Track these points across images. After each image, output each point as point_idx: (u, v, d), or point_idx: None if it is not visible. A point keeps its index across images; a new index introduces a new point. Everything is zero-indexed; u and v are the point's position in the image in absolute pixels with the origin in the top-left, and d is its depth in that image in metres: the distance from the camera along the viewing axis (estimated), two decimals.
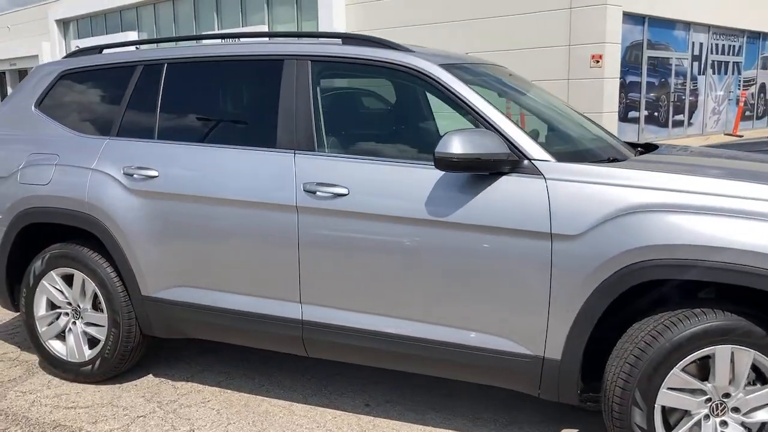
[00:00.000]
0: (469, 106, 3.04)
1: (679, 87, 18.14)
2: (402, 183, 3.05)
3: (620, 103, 15.53)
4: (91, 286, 3.74)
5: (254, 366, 4.11)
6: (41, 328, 3.94)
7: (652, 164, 3.12)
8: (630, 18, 15.77)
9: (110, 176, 3.61)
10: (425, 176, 3.01)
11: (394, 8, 17.92)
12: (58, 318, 3.92)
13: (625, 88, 15.96)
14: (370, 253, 3.11)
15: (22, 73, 32.39)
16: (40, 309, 3.92)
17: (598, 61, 14.13)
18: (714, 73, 19.61)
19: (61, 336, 3.94)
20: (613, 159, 3.11)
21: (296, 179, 3.23)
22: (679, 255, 2.60)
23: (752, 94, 21.54)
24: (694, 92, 18.78)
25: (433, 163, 2.88)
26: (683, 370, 2.65)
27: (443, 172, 2.95)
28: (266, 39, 3.86)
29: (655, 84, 17.16)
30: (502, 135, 2.92)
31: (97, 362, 3.79)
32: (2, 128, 4.10)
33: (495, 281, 2.90)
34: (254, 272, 3.37)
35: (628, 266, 2.66)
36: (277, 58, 3.44)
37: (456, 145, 2.79)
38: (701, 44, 18.77)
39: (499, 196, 2.88)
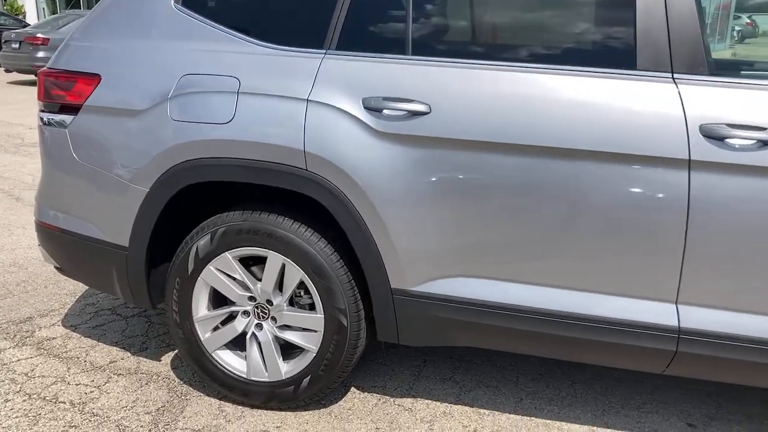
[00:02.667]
0: None
1: None
2: None
3: None
4: (297, 275, 2.50)
5: (499, 371, 3.04)
6: (203, 335, 2.68)
7: None
8: None
9: (342, 111, 2.35)
10: None
11: None
12: (231, 319, 2.68)
13: None
14: None
15: None
16: (201, 307, 2.66)
17: None
18: None
19: (234, 344, 2.71)
20: None
21: (686, 119, 2.12)
22: None
23: None
24: None
25: None
26: None
27: None
28: None
29: None
30: None
31: (305, 381, 2.60)
32: (125, 36, 2.69)
33: None
34: (596, 258, 2.26)
35: None
36: None
37: None
38: None
39: None
